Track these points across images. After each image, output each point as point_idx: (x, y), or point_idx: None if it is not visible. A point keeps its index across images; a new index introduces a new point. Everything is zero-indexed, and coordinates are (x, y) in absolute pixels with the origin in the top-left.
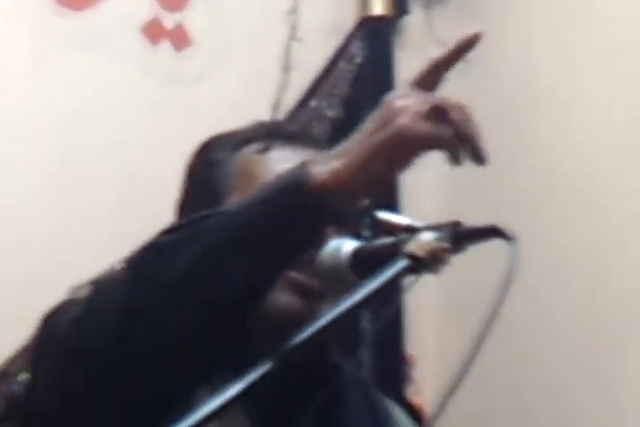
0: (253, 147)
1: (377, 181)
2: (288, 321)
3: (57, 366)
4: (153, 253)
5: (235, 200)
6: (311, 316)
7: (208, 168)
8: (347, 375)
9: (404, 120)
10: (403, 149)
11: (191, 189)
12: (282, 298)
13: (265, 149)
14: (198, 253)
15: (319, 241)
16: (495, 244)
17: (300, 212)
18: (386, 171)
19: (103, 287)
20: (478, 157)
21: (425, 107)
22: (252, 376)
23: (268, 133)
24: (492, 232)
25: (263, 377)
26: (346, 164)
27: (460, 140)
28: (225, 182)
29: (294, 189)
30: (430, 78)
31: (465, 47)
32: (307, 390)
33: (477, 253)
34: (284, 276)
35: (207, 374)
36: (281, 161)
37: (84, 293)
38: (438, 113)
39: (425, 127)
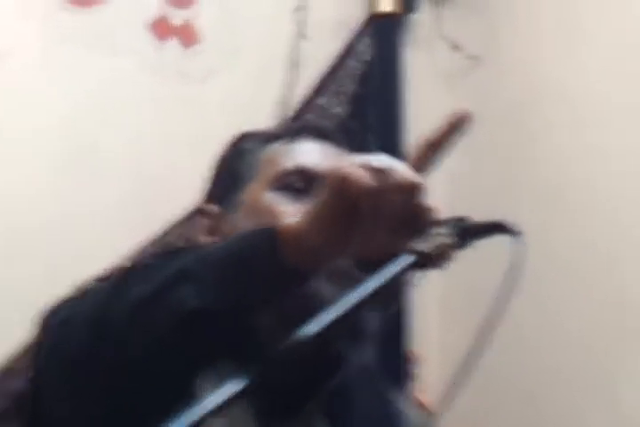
0: (283, 141)
1: (333, 233)
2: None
3: (45, 370)
4: (129, 273)
5: (254, 186)
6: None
7: (236, 157)
8: (355, 367)
9: (341, 168)
10: (340, 192)
11: (218, 176)
12: None
13: (294, 141)
14: (162, 279)
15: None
16: (501, 240)
17: (265, 256)
18: (336, 221)
19: (83, 297)
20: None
21: (368, 163)
22: (255, 370)
23: (299, 129)
24: (498, 228)
25: (266, 372)
26: (305, 216)
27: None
28: (250, 169)
29: (260, 232)
30: (422, 160)
31: (453, 128)
32: (314, 382)
33: (483, 249)
34: None
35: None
36: (306, 152)
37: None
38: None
39: (356, 169)
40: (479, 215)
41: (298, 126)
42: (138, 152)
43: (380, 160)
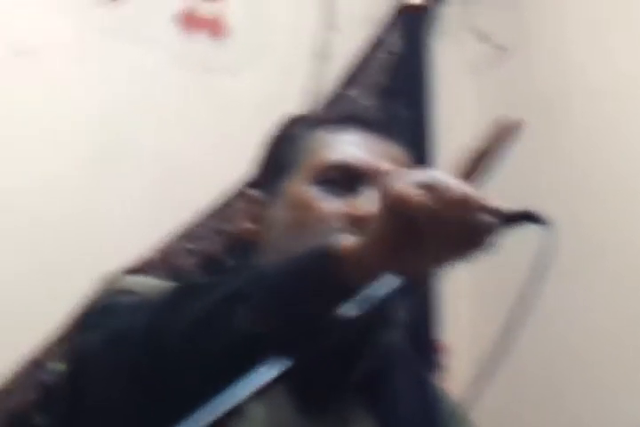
0: (330, 128)
1: (393, 254)
2: None
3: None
4: (184, 290)
5: (296, 177)
6: None
7: (283, 142)
8: (394, 353)
9: (395, 187)
10: (397, 213)
11: (264, 161)
12: None
13: (339, 130)
14: (216, 300)
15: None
16: (531, 230)
17: (320, 273)
18: (395, 242)
19: (135, 308)
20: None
21: (416, 178)
22: (293, 353)
23: (348, 117)
24: (528, 217)
25: (304, 354)
26: (363, 237)
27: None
28: (294, 157)
29: (318, 254)
30: (472, 172)
31: (502, 137)
32: (351, 367)
33: (513, 239)
34: None
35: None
36: (350, 143)
37: (119, 290)
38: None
39: (410, 189)
40: (508, 207)
41: (346, 114)
42: (166, 144)
43: (433, 176)
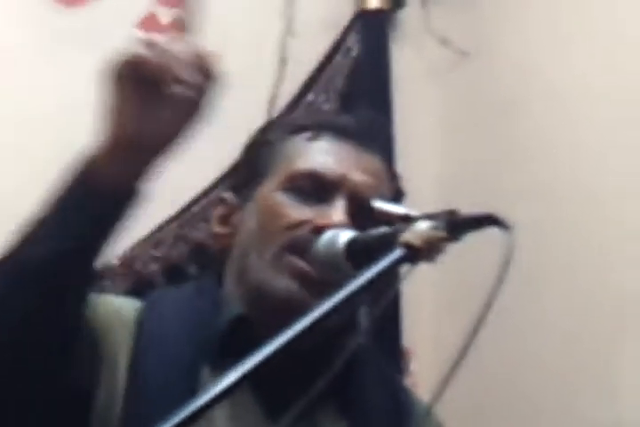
0: (306, 134)
1: (135, 124)
2: (289, 308)
3: None
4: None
5: (268, 183)
6: (311, 303)
7: (260, 147)
8: (364, 358)
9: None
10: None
11: (241, 165)
12: (282, 284)
13: (314, 138)
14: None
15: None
16: (492, 234)
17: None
18: (132, 107)
19: None
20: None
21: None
22: (257, 359)
23: (324, 124)
24: (489, 221)
25: (268, 360)
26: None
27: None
28: (269, 163)
29: (72, 172)
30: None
31: None
32: (317, 371)
33: (474, 243)
34: (286, 262)
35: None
36: (323, 152)
37: None
38: None
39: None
40: (470, 208)
41: (323, 121)
42: None
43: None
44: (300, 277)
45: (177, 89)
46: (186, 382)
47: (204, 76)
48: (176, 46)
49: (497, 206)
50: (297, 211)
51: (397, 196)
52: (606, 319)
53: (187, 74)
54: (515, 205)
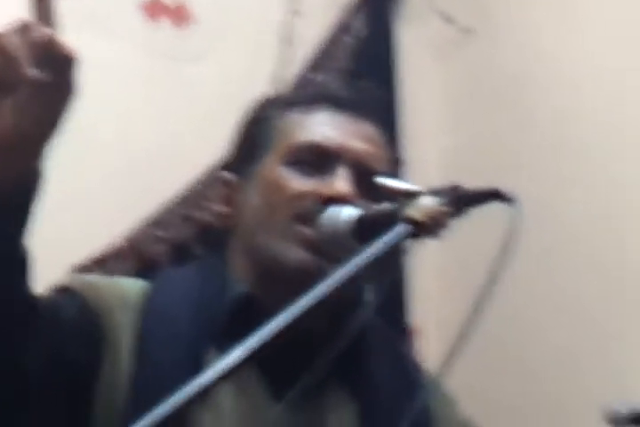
0: (301, 109)
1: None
2: (302, 277)
3: None
4: None
5: (269, 159)
6: (324, 271)
7: (255, 125)
8: (371, 335)
9: None
10: None
11: (237, 144)
12: (293, 254)
13: (310, 111)
14: None
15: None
16: (498, 209)
17: None
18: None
19: None
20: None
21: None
22: (262, 336)
23: (319, 97)
24: (493, 195)
25: (274, 337)
26: None
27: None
28: (266, 139)
29: None
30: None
31: None
32: (324, 349)
33: (480, 219)
34: (295, 231)
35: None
36: (321, 124)
37: (60, 288)
38: None
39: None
40: (476, 183)
41: (318, 94)
42: (130, 132)
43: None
44: (310, 245)
45: (25, 82)
46: (191, 362)
47: (55, 61)
48: (14, 38)
49: (502, 180)
50: (300, 183)
51: (397, 164)
52: (621, 296)
53: (25, 68)
54: (519, 181)
